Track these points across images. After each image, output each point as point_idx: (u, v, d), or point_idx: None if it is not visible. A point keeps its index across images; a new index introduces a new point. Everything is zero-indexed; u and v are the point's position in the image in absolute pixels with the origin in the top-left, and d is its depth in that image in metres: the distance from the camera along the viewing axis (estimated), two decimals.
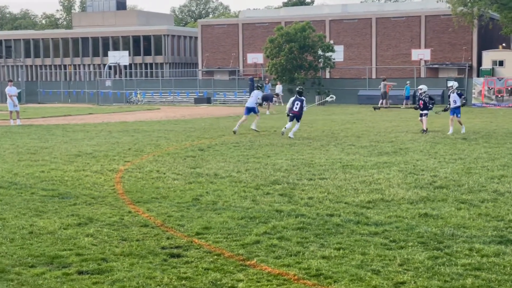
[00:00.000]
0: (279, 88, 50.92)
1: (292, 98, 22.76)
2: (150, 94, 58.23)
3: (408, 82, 47.73)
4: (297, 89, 23.76)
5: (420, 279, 6.49)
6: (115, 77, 77.48)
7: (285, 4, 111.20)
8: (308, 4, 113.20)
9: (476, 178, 12.50)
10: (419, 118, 23.50)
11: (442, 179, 12.50)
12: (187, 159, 16.21)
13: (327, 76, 59.41)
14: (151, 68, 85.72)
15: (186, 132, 24.40)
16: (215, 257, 7.41)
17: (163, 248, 7.83)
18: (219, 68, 77.03)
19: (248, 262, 7.17)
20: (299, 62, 52.02)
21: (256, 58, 66.58)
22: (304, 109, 22.64)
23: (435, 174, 13.08)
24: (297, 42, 51.08)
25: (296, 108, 22.31)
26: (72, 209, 10.20)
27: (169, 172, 13.83)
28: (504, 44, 68.17)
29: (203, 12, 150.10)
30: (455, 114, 22.71)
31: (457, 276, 6.55)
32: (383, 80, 46.73)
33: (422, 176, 12.94)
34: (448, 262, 7.04)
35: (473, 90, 46.46)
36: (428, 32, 71.77)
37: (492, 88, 45.80)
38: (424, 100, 23.18)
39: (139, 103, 55.87)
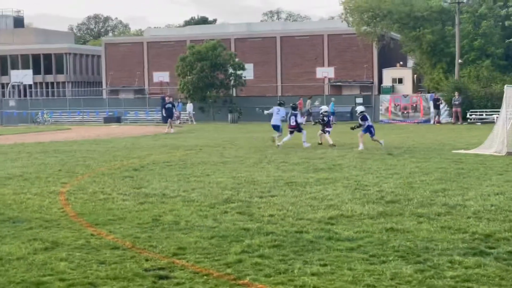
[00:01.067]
0: (190, 107, 50.93)
1: (289, 114, 25.31)
2: (58, 114, 56.88)
3: (333, 99, 48.80)
4: (291, 105, 26.55)
5: None
6: (19, 97, 75.22)
7: (188, 23, 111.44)
8: (210, 23, 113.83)
9: (421, 192, 12.90)
10: (320, 133, 25.64)
11: (389, 194, 12.82)
12: (125, 179, 15.96)
13: (239, 94, 59.69)
14: (53, 87, 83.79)
15: (110, 152, 23.99)
16: (205, 277, 7.34)
17: (146, 270, 7.69)
18: (124, 86, 76.14)
19: (241, 282, 7.15)
20: (210, 80, 52.15)
21: (162, 76, 66.15)
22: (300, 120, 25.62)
23: (380, 189, 13.41)
24: (208, 60, 51.24)
25: (293, 123, 24.93)
26: (31, 233, 9.85)
27: (114, 193, 13.57)
28: (401, 62, 70.60)
29: (102, 30, 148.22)
30: (367, 133, 23.49)
31: None
32: (309, 98, 47.70)
33: (369, 191, 13.24)
34: (436, 275, 7.24)
35: (380, 107, 47.94)
36: (331, 50, 73.59)
37: (398, 105, 47.41)
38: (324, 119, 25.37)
39: (46, 123, 54.44)
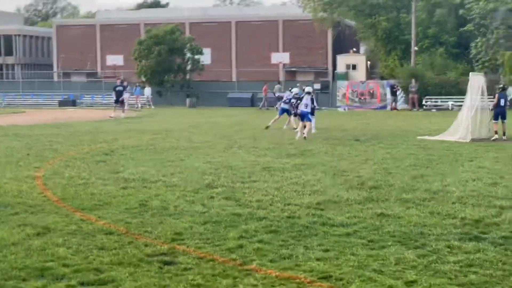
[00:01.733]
0: (148, 91, 50.46)
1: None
2: (11, 97, 55.75)
3: (298, 84, 48.89)
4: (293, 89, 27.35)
5: (425, 277, 6.77)
6: None
7: (140, 6, 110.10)
8: (163, 6, 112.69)
9: (401, 178, 13.08)
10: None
11: (369, 179, 12.97)
12: (99, 163, 15.79)
13: (196, 78, 59.34)
14: (1, 69, 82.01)
15: (75, 136, 23.63)
16: (211, 263, 7.35)
17: (148, 255, 7.65)
18: (76, 70, 74.91)
19: (248, 267, 7.17)
20: (168, 64, 51.73)
21: (116, 60, 65.28)
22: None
23: (359, 175, 13.55)
24: (166, 44, 50.80)
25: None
26: (18, 218, 9.69)
27: (93, 178, 13.41)
28: (355, 49, 71.13)
29: (50, 12, 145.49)
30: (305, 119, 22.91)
31: (458, 273, 6.88)
32: (278, 83, 47.87)
33: (348, 177, 13.36)
34: (439, 259, 7.38)
35: (338, 93, 48.30)
36: (286, 36, 73.61)
37: (355, 91, 47.85)
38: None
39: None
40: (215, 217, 9.65)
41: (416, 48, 49.42)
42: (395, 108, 44.52)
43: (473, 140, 20.73)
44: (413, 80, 44.11)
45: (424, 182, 12.66)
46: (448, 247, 7.90)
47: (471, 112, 21.40)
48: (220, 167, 14.90)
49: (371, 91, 47.21)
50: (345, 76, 63.68)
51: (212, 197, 11.25)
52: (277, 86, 46.86)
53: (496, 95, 22.61)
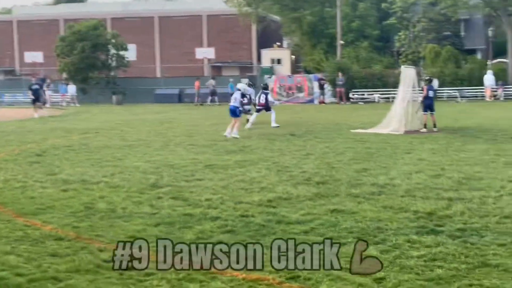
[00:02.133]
0: (72, 89, 49.35)
1: (259, 93, 25.66)
2: None
3: (231, 79, 48.78)
4: (262, 84, 28.32)
5: (392, 273, 6.72)
6: None
7: (58, 1, 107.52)
8: (82, 0, 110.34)
9: (346, 172, 13.09)
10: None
11: (314, 175, 12.92)
12: (33, 165, 15.25)
13: (121, 75, 58.39)
14: None
15: (0, 137, 22.80)
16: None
17: (106, 261, 7.35)
18: None
19: (213, 270, 6.96)
20: (92, 61, 50.73)
21: (35, 57, 63.57)
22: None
23: (303, 170, 13.49)
24: (89, 40, 49.78)
25: (262, 100, 25.17)
26: None
27: (30, 181, 12.90)
28: (279, 43, 71.50)
29: None
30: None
31: (424, 268, 6.86)
32: (212, 78, 47.52)
33: (292, 172, 13.28)
34: (403, 255, 7.34)
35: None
36: (211, 31, 73.32)
37: (283, 85, 48.03)
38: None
39: None
40: (166, 218, 9.39)
41: (342, 42, 49.99)
42: (323, 102, 44.91)
43: (406, 132, 21.02)
44: (339, 74, 44.58)
45: (369, 175, 12.69)
46: (408, 241, 7.88)
47: (404, 105, 21.70)
48: (161, 166, 14.60)
49: (299, 85, 47.49)
50: (270, 71, 63.99)
51: (159, 198, 10.96)
52: (211, 81, 46.69)
53: (425, 87, 23.03)
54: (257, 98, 25.46)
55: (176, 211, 9.89)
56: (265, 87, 26.61)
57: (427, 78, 24.94)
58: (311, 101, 46.30)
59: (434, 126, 22.09)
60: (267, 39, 72.65)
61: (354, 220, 9.00)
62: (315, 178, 12.48)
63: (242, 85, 23.79)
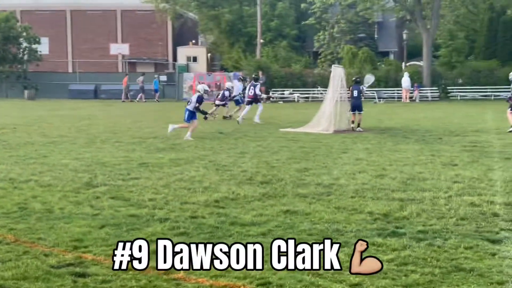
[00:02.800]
0: None
1: (248, 85, 26.10)
2: None
3: (156, 76, 47.88)
4: (253, 75, 28.69)
5: (368, 279, 6.39)
6: None
7: None
8: None
9: (287, 172, 12.76)
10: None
11: (256, 174, 12.52)
12: None
13: (34, 69, 56.40)
14: None
15: None
16: (130, 272, 6.55)
17: (54, 267, 6.74)
18: None
19: (175, 276, 6.47)
20: (2, 54, 48.73)
21: None
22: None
23: (243, 169, 13.09)
24: (0, 33, 47.80)
25: (251, 93, 25.66)
26: None
27: None
28: (194, 41, 70.95)
29: None
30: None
31: (399, 273, 6.57)
32: (142, 75, 46.54)
33: (232, 171, 12.86)
34: None
35: (184, 85, 47.73)
36: (125, 27, 71.91)
37: (202, 83, 47.36)
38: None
39: None
40: (110, 219, 8.80)
41: (262, 41, 49.90)
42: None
43: (335, 131, 20.95)
44: (260, 73, 44.38)
45: (312, 175, 12.40)
46: (373, 244, 7.59)
47: (333, 104, 21.63)
48: (92, 164, 13.90)
49: (218, 83, 47.05)
50: (185, 68, 63.31)
51: (97, 197, 10.33)
52: (141, 78, 45.74)
53: (351, 88, 23.10)
54: (247, 90, 26.08)
55: (119, 211, 9.31)
56: (256, 79, 27.07)
57: (353, 78, 25.01)
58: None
59: (358, 125, 22.14)
60: (183, 37, 71.89)
61: (311, 222, 8.66)
62: (257, 178, 12.10)
63: (229, 84, 25.08)
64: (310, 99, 44.00)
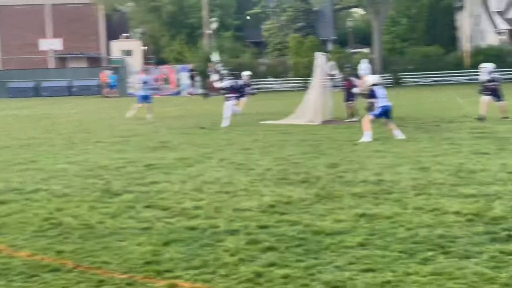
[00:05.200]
0: None
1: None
2: None
3: (112, 71, 46.15)
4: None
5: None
6: None
7: None
8: None
9: (317, 168, 11.68)
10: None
11: (285, 172, 11.43)
12: None
13: None
14: None
15: None
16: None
17: None
18: None
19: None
20: None
21: None
22: None
23: (267, 168, 11.95)
24: None
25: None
26: None
27: None
28: (128, 34, 69.16)
29: None
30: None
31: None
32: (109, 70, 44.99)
33: (257, 170, 11.70)
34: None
35: (129, 80, 45.99)
36: (56, 21, 69.43)
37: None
38: None
39: None
40: (169, 234, 7.53)
41: (210, 31, 48.55)
42: (192, 93, 43.27)
43: (323, 122, 20.00)
44: (211, 64, 43.07)
45: (347, 171, 11.29)
46: (502, 252, 6.60)
47: (319, 94, 20.65)
48: (93, 168, 12.48)
49: (165, 77, 45.51)
50: (120, 62, 61.41)
51: (132, 207, 9.00)
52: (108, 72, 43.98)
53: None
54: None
55: (171, 223, 8.04)
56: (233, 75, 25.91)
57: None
58: (178, 93, 44.51)
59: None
60: (117, 30, 69.83)
61: (403, 227, 7.59)
62: (291, 176, 10.98)
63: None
64: (263, 90, 43.01)
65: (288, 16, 50.53)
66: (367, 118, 15.75)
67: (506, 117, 18.80)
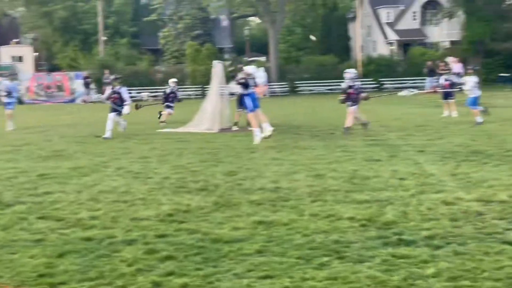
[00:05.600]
0: None
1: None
2: None
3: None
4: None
5: None
6: None
7: None
8: None
9: (215, 176, 11.67)
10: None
11: (183, 180, 11.36)
12: None
13: None
14: None
15: None
16: None
17: None
18: None
19: None
20: None
21: None
22: None
23: (165, 176, 11.83)
24: None
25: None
26: None
27: None
28: (17, 40, 67.10)
29: None
30: None
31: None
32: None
33: (155, 179, 11.59)
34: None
35: (20, 87, 44.52)
36: None
37: (41, 84, 44.60)
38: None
39: None
40: (63, 245, 7.37)
41: (104, 38, 47.75)
42: (86, 101, 42.45)
43: (220, 130, 20.03)
44: (106, 71, 42.37)
45: (245, 179, 11.34)
46: (393, 256, 6.79)
47: (216, 102, 20.67)
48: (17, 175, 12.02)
49: (59, 84, 44.40)
50: (11, 68, 59.48)
51: (24, 218, 8.72)
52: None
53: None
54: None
55: (66, 235, 7.87)
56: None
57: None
58: (73, 100, 43.53)
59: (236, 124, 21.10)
60: (7, 36, 67.57)
61: (299, 233, 7.71)
62: (189, 185, 10.94)
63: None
64: (158, 97, 42.58)
65: (185, 24, 50.41)
66: (250, 115, 16.22)
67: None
